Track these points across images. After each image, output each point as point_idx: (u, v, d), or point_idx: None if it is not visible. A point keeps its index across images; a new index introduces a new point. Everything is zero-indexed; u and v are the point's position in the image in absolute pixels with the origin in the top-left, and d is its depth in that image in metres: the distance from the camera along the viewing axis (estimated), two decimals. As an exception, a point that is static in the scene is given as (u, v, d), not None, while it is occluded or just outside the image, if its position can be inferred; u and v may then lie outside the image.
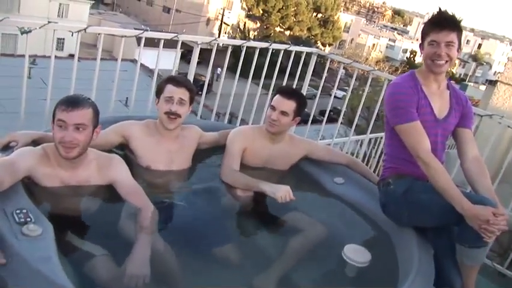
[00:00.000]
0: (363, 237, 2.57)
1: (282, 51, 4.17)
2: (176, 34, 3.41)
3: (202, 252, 2.26)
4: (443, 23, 2.31)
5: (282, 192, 2.45)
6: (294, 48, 4.30)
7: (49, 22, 2.84)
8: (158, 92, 2.63)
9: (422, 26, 2.47)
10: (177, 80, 2.62)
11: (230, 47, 3.91)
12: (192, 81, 3.65)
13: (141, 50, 3.37)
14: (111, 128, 2.57)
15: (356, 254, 2.25)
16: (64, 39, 25.14)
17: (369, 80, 4.10)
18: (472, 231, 2.08)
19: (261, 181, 2.57)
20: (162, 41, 3.41)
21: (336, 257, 2.30)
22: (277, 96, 2.79)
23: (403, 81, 2.41)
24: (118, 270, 1.88)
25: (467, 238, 2.16)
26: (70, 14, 29.28)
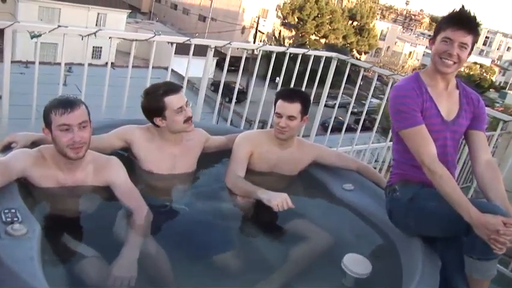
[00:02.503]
0: (370, 246, 2.48)
1: (300, 56, 4.11)
2: (188, 38, 3.40)
3: (202, 257, 2.22)
4: (463, 22, 2.18)
5: (277, 200, 2.35)
6: (313, 53, 4.26)
7: (59, 26, 2.86)
8: (159, 111, 2.48)
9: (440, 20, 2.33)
10: (173, 88, 2.52)
11: (245, 52, 3.86)
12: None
13: (153, 55, 3.36)
14: (113, 132, 2.55)
15: (355, 265, 2.14)
16: (101, 47, 25.98)
17: (390, 85, 4.00)
18: (481, 242, 1.95)
19: (260, 188, 2.48)
20: (175, 45, 3.41)
21: (340, 266, 2.21)
22: (279, 101, 2.68)
23: (406, 84, 2.30)
24: (107, 272, 1.86)
25: (476, 249, 2.02)
26: (107, 23, 30.09)
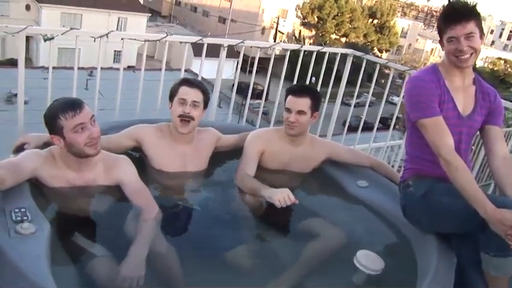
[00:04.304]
0: (384, 243, 2.44)
1: (314, 53, 4.08)
2: (201, 38, 3.40)
3: (213, 256, 2.20)
4: (457, 15, 2.12)
5: (279, 196, 2.30)
6: (328, 50, 4.21)
7: (71, 29, 2.89)
8: (172, 96, 2.58)
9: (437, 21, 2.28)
10: (191, 82, 2.58)
11: (259, 51, 3.84)
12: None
13: (165, 56, 3.37)
14: (123, 132, 2.57)
15: (368, 261, 2.10)
16: (121, 51, 26.25)
17: (406, 80, 3.93)
18: (497, 238, 1.89)
19: (263, 186, 2.45)
20: (187, 45, 3.41)
21: (353, 263, 2.17)
22: (289, 97, 2.68)
23: (424, 75, 2.24)
24: (116, 271, 1.86)
25: (492, 246, 1.96)
26: (128, 27, 30.42)
